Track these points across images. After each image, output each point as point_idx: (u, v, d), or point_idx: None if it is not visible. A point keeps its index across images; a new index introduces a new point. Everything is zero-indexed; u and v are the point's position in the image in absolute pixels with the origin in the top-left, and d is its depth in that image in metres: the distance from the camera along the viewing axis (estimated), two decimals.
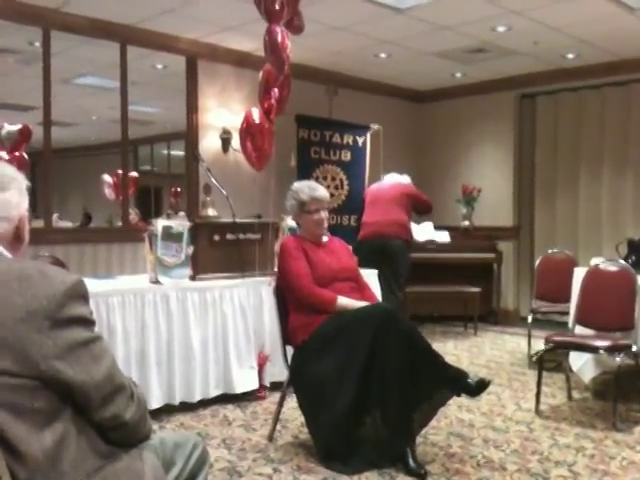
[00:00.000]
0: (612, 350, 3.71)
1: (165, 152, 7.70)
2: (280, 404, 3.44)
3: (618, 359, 3.69)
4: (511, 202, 7.50)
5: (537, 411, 3.95)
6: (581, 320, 4.15)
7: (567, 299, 5.18)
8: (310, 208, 3.44)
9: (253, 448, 3.32)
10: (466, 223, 7.46)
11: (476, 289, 6.71)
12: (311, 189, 3.49)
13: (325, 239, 3.54)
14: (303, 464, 3.10)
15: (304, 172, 6.08)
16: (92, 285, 3.73)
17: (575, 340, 3.94)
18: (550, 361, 5.20)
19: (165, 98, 7.11)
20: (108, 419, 1.51)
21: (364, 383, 2.99)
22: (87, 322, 1.51)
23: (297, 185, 3.56)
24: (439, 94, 7.95)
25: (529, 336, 5.35)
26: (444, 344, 6.15)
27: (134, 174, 6.54)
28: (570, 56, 6.46)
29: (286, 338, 3.39)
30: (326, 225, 3.49)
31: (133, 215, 6.18)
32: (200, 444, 1.78)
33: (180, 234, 3.99)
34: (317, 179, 6.26)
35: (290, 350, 3.39)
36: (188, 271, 4.04)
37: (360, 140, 6.59)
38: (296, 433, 3.54)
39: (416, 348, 3.03)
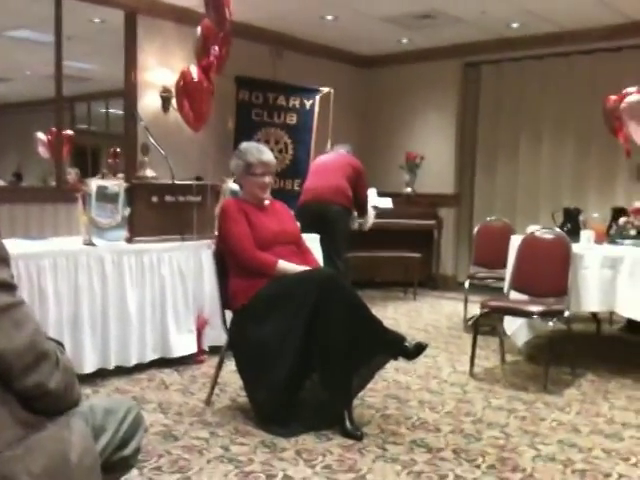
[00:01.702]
0: (545, 315, 3.81)
1: (103, 111, 7.43)
2: (218, 368, 3.41)
3: (551, 324, 3.79)
4: (453, 170, 7.59)
5: (471, 374, 4.05)
6: (516, 286, 4.25)
7: (503, 265, 5.32)
8: (256, 171, 3.37)
9: (190, 412, 3.28)
10: (408, 190, 7.52)
11: (416, 254, 6.80)
12: (259, 151, 3.42)
13: (267, 202, 3.49)
14: (241, 427, 3.09)
15: (244, 135, 5.93)
16: (22, 247, 3.60)
17: (510, 305, 4.03)
18: (485, 325, 5.34)
19: (103, 54, 6.80)
20: (31, 388, 1.45)
21: (304, 347, 2.98)
22: (8, 286, 1.45)
23: (245, 146, 3.48)
24: (385, 60, 7.91)
25: (465, 301, 5.47)
26: (384, 308, 6.23)
27: (70, 132, 6.31)
28: (514, 25, 6.50)
29: (225, 302, 3.34)
30: (269, 189, 3.43)
31: (73, 175, 5.97)
32: (134, 409, 1.74)
33: (115, 195, 3.86)
34: (259, 142, 6.14)
35: (229, 314, 3.35)
36: (124, 233, 3.92)
37: (308, 103, 6.48)
38: (234, 397, 3.52)
39: (356, 313, 3.05)
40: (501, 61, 7.31)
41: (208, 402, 3.40)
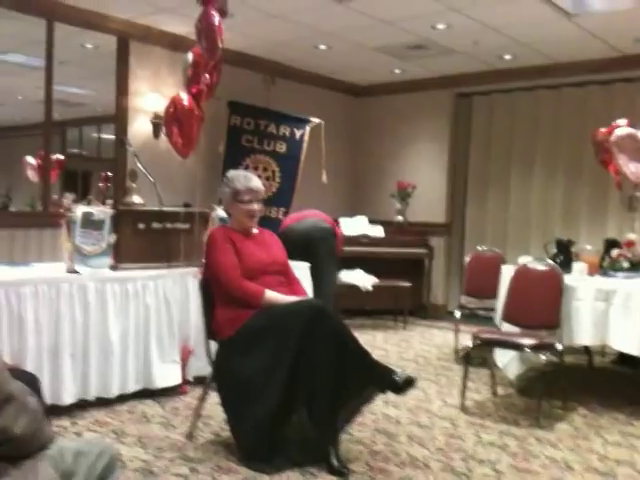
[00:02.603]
0: (537, 348, 3.75)
1: (95, 135, 7.40)
2: (201, 400, 3.31)
3: (544, 357, 3.72)
4: (444, 199, 7.56)
5: (462, 407, 3.96)
6: (508, 317, 4.18)
7: (494, 295, 5.27)
8: (243, 198, 3.32)
9: (171, 447, 3.17)
10: (400, 218, 7.47)
11: (407, 283, 6.73)
12: (247, 179, 3.37)
13: (255, 231, 3.43)
14: (223, 463, 2.98)
15: (233, 160, 5.94)
16: (3, 273, 3.50)
17: (502, 338, 3.96)
18: (476, 357, 5.26)
19: (96, 79, 6.79)
20: None
21: (291, 381, 2.90)
22: None
23: (233, 173, 3.43)
24: (378, 89, 7.93)
25: (456, 331, 5.39)
26: (374, 337, 6.14)
27: (60, 157, 6.28)
28: (507, 57, 6.53)
29: (211, 333, 3.26)
30: (257, 218, 3.37)
31: (69, 200, 5.90)
32: (107, 451, 1.65)
33: (101, 222, 3.79)
34: (247, 168, 6.11)
35: (215, 345, 3.26)
36: (109, 260, 3.84)
37: (298, 133, 6.46)
38: (217, 431, 3.41)
39: (345, 345, 2.97)
40: (492, 92, 7.34)
41: (190, 436, 3.29)
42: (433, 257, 7.34)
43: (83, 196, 6.47)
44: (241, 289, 3.13)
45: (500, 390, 4.36)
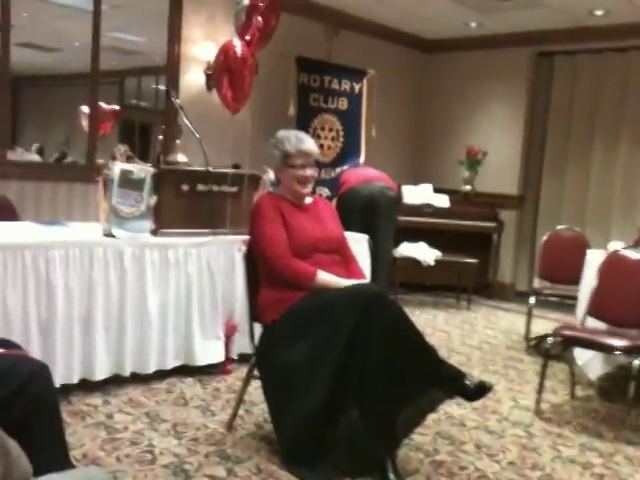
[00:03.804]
0: (630, 351, 3.22)
1: (154, 87, 7.08)
2: (244, 385, 2.94)
3: (638, 362, 3.19)
4: (517, 169, 6.93)
5: (537, 411, 3.49)
6: (595, 312, 3.65)
7: (573, 281, 4.73)
8: (295, 162, 2.88)
9: (208, 439, 2.83)
10: (467, 188, 6.91)
11: (473, 260, 6.20)
12: (298, 140, 2.92)
13: (308, 200, 2.99)
14: (263, 465, 2.62)
15: (304, 122, 5.52)
16: (33, 234, 3.19)
17: (587, 337, 3.43)
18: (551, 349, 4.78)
19: (151, 26, 6.43)
20: None
21: (341, 376, 2.49)
22: None
23: (282, 134, 2.97)
24: (448, 45, 7.28)
25: (529, 318, 4.89)
26: (434, 317, 5.68)
27: (115, 107, 6.01)
28: (598, 12, 5.81)
29: (254, 314, 2.87)
30: (310, 185, 2.93)
31: (122, 152, 5.62)
32: None
33: (141, 181, 3.41)
34: (315, 130, 5.70)
35: (259, 328, 2.87)
36: (149, 224, 3.48)
37: (357, 87, 5.96)
38: (260, 422, 3.05)
39: (406, 339, 2.53)
40: (578, 52, 6.60)
41: (230, 427, 2.94)
42: (502, 232, 6.76)
43: (141, 149, 6.19)
44: (289, 268, 2.71)
45: (578, 391, 3.85)
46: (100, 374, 3.24)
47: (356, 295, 2.54)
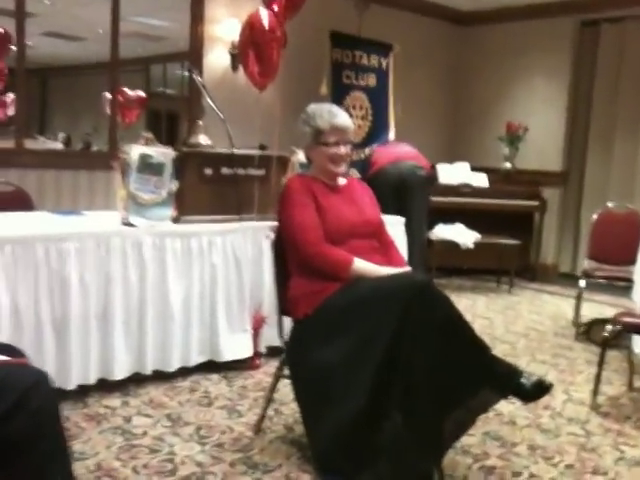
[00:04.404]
0: None
1: (179, 72, 6.88)
2: (272, 389, 2.71)
3: None
4: (561, 144, 6.54)
5: (593, 405, 3.19)
6: None
7: (626, 262, 4.41)
8: (328, 139, 2.61)
9: (234, 444, 2.60)
10: (508, 165, 6.55)
11: (515, 241, 5.86)
12: (332, 114, 2.64)
13: (342, 182, 2.72)
14: (294, 474, 2.38)
15: (335, 101, 5.24)
16: (46, 224, 3.00)
17: None
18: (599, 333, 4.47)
19: (175, 9, 6.21)
20: None
21: (384, 379, 2.23)
22: None
23: (313, 108, 2.69)
24: (485, 16, 6.89)
25: (578, 302, 4.58)
26: (474, 302, 5.38)
27: (141, 94, 5.86)
28: None
29: (284, 308, 2.62)
30: (345, 164, 2.66)
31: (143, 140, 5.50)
32: None
33: (161, 165, 3.19)
34: (347, 109, 5.42)
35: (289, 323, 2.63)
36: (170, 212, 3.26)
37: (384, 62, 5.65)
38: (290, 423, 2.82)
39: (455, 335, 2.25)
40: (625, 19, 6.15)
41: (258, 430, 2.71)
42: (545, 211, 6.39)
43: (168, 139, 6.01)
44: (323, 256, 2.46)
45: (636, 381, 3.54)
46: (119, 373, 3.04)
47: (399, 287, 2.27)
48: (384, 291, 2.31)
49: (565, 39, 6.45)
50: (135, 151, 3.14)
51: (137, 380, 3.15)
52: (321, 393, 2.36)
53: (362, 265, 2.45)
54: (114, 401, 2.96)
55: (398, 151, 5.34)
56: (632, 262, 4.28)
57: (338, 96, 5.35)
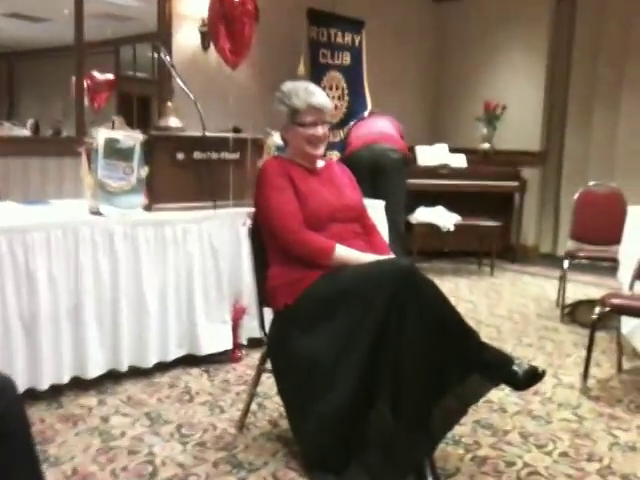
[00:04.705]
0: None
1: (151, 55, 6.65)
2: (255, 383, 2.59)
3: None
4: (539, 123, 6.47)
5: (583, 389, 3.13)
6: None
7: (609, 242, 4.36)
8: (304, 119, 2.47)
9: (216, 442, 2.48)
10: (486, 145, 6.47)
11: (495, 223, 5.79)
12: (308, 93, 2.49)
13: (321, 164, 2.59)
14: (281, 473, 2.27)
15: (313, 81, 5.09)
16: (10, 215, 2.83)
17: None
18: (584, 313, 4.42)
19: None
20: None
21: (370, 369, 2.13)
22: None
23: (289, 86, 2.54)
24: None
25: (562, 283, 4.51)
26: (456, 285, 5.30)
27: (109, 76, 5.66)
28: None
29: (264, 298, 2.50)
30: (324, 145, 2.53)
31: (117, 124, 5.29)
32: None
33: (130, 150, 3.02)
34: (324, 89, 5.27)
35: (269, 313, 2.50)
36: (141, 199, 3.10)
37: (357, 39, 5.50)
38: (275, 417, 2.70)
39: (443, 321, 2.16)
40: None
41: (241, 426, 2.59)
42: (525, 191, 6.33)
43: (140, 124, 5.81)
44: (303, 243, 2.33)
45: (624, 363, 3.48)
46: (94, 371, 2.89)
47: (384, 273, 2.16)
48: (368, 278, 2.19)
49: (543, 13, 6.35)
50: (101, 135, 2.97)
51: (113, 377, 3.01)
52: (306, 386, 2.24)
53: (344, 252, 2.33)
54: (90, 400, 2.82)
55: (373, 132, 5.16)
56: (616, 242, 4.22)
57: (316, 76, 5.20)
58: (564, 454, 2.49)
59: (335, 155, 5.17)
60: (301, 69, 5.09)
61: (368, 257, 2.33)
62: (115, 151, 2.98)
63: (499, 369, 2.22)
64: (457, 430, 2.60)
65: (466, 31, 6.81)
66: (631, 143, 5.95)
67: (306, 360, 2.23)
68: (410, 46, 6.74)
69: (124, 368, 3.00)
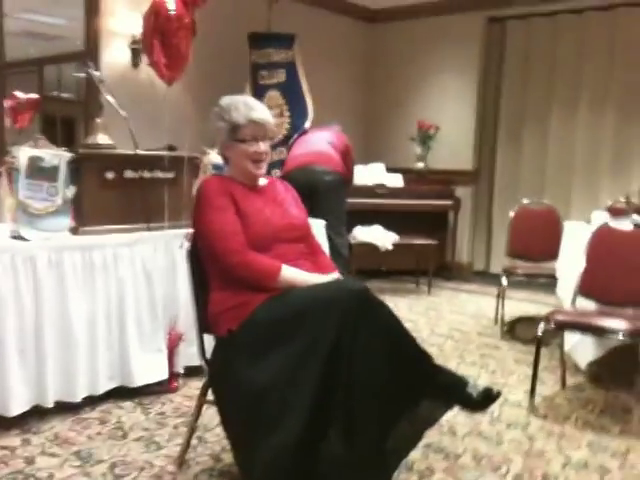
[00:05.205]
0: (637, 335, 2.85)
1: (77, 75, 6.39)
2: (196, 417, 2.41)
3: None
4: (472, 142, 6.55)
5: (531, 408, 3.09)
6: (585, 291, 3.27)
7: (545, 258, 4.42)
8: (245, 135, 2.34)
9: None
10: (421, 165, 6.51)
11: (432, 241, 5.81)
12: (248, 107, 2.37)
13: (264, 182, 2.47)
14: None
15: None
16: None
17: (586, 321, 3.03)
18: (524, 330, 4.46)
19: (69, 4, 5.74)
20: None
21: (322, 398, 1.99)
22: None
23: (228, 101, 2.41)
24: (395, 13, 6.83)
25: (501, 300, 4.52)
26: (395, 305, 5.23)
27: (33, 96, 5.40)
28: None
29: (204, 325, 2.34)
30: (266, 162, 2.41)
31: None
32: None
33: (54, 169, 2.82)
34: None
35: (210, 339, 2.34)
36: (67, 222, 2.89)
37: (290, 54, 5.44)
38: (217, 452, 2.53)
39: (397, 344, 2.07)
40: (530, 16, 6.23)
41: (181, 463, 2.41)
42: (459, 210, 6.38)
43: (64, 144, 5.55)
44: (247, 265, 2.19)
45: (567, 378, 3.48)
46: (16, 408, 2.64)
47: (335, 296, 2.04)
48: (319, 301, 2.08)
49: (473, 35, 6.46)
50: (24, 154, 2.75)
51: (38, 414, 2.77)
52: (253, 418, 2.08)
53: (291, 273, 2.21)
54: (13, 440, 2.57)
55: (309, 152, 5.03)
56: (552, 258, 4.29)
57: (256, 98, 5.09)
58: (518, 476, 2.43)
59: (278, 174, 5.05)
60: (247, 92, 5.02)
61: (316, 278, 2.22)
62: (39, 170, 2.77)
63: (454, 392, 2.15)
64: (409, 456, 2.50)
65: (399, 51, 6.86)
66: (560, 159, 6.10)
67: (254, 389, 2.07)
68: (343, 66, 6.74)
69: (50, 404, 2.76)
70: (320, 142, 5.04)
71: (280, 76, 5.35)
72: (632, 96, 5.68)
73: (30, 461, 2.42)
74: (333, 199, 4.91)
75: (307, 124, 5.38)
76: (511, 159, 6.44)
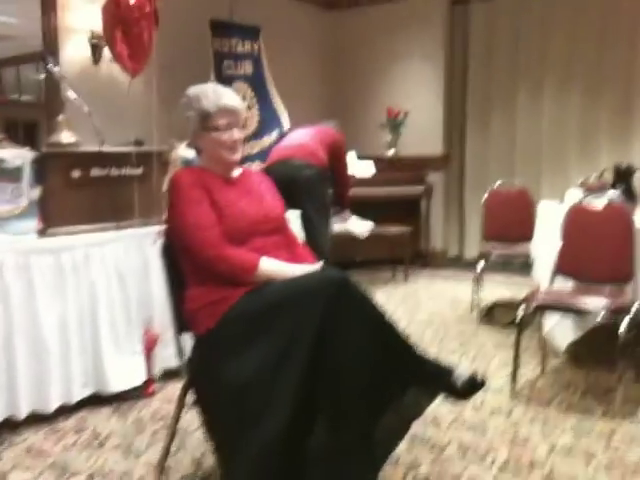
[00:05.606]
0: (617, 312, 2.84)
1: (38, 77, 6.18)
2: (175, 421, 2.34)
3: (625, 322, 2.81)
4: (441, 127, 6.52)
5: (513, 393, 3.08)
6: (564, 270, 3.25)
7: (521, 239, 4.42)
8: (217, 123, 2.25)
9: None
10: (391, 152, 6.47)
11: (406, 229, 5.79)
12: (217, 94, 2.28)
13: (238, 172, 2.39)
14: None
15: None
16: None
17: (567, 301, 3.02)
18: (501, 313, 4.45)
19: (23, 2, 5.54)
20: None
21: (307, 391, 1.94)
22: None
23: (196, 90, 2.32)
24: None
25: (477, 285, 4.51)
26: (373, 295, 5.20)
27: None
28: None
29: (181, 324, 2.26)
30: (240, 151, 2.33)
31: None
32: None
33: (18, 170, 2.71)
34: None
35: (188, 339, 2.27)
36: (34, 224, 2.78)
37: (256, 47, 5.35)
38: (198, 457, 2.46)
39: (381, 334, 2.02)
40: None
41: (161, 470, 2.33)
42: (431, 196, 6.37)
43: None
44: (224, 259, 2.12)
45: (549, 362, 3.48)
46: None
47: (316, 286, 1.98)
48: (300, 292, 2.02)
49: (437, 19, 6.41)
50: None
51: (10, 426, 2.67)
52: (236, 416, 2.01)
53: (270, 265, 2.15)
54: None
55: (292, 145, 4.95)
56: (527, 239, 4.29)
57: None
58: (505, 465, 2.41)
59: (257, 164, 4.96)
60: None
61: (296, 269, 2.15)
62: (1, 172, 2.66)
63: (440, 380, 2.12)
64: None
65: (363, 38, 6.77)
66: (529, 140, 6.11)
67: (236, 386, 2.00)
68: (307, 55, 6.63)
69: (22, 415, 2.67)
70: (304, 137, 4.95)
71: (247, 68, 5.25)
72: (597, 75, 5.70)
73: (2, 477, 2.33)
74: (315, 193, 4.83)
75: (284, 123, 5.32)
76: (481, 142, 6.43)
